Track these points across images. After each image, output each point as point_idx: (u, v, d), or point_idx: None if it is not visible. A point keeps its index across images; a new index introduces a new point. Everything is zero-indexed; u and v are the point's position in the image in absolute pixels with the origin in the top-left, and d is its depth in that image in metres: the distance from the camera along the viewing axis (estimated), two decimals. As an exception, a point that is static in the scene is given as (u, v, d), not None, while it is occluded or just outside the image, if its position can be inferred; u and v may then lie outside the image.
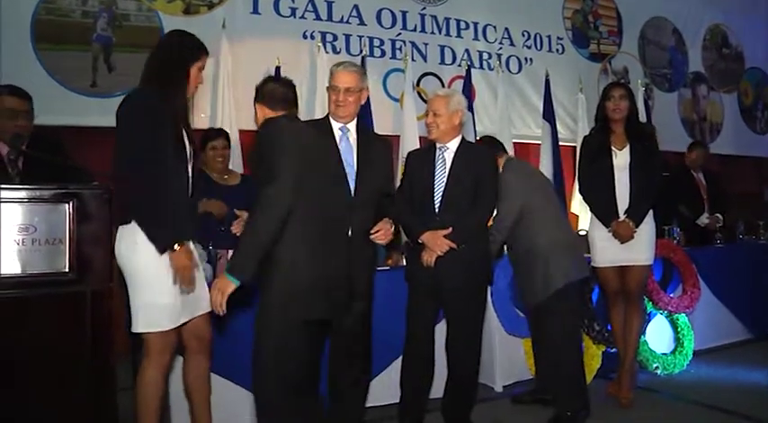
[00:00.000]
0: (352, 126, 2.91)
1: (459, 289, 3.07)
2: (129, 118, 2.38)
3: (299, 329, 2.41)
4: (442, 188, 3.11)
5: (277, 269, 2.37)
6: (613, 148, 3.65)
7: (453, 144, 3.17)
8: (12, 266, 2.43)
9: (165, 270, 2.39)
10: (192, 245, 2.55)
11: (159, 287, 2.39)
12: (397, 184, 3.41)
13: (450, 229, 3.02)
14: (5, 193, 2.47)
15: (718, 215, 5.39)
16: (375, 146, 2.95)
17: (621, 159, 3.61)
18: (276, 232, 2.31)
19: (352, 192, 2.79)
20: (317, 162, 2.64)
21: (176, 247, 2.35)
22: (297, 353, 2.42)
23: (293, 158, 2.39)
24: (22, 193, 2.49)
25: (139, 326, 2.41)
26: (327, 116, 2.94)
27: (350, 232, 2.76)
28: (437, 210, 3.10)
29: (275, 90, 2.68)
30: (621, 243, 3.55)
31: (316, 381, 2.68)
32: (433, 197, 3.11)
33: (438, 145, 3.18)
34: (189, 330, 2.55)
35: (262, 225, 2.31)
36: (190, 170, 2.54)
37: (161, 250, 2.35)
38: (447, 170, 3.13)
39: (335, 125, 2.88)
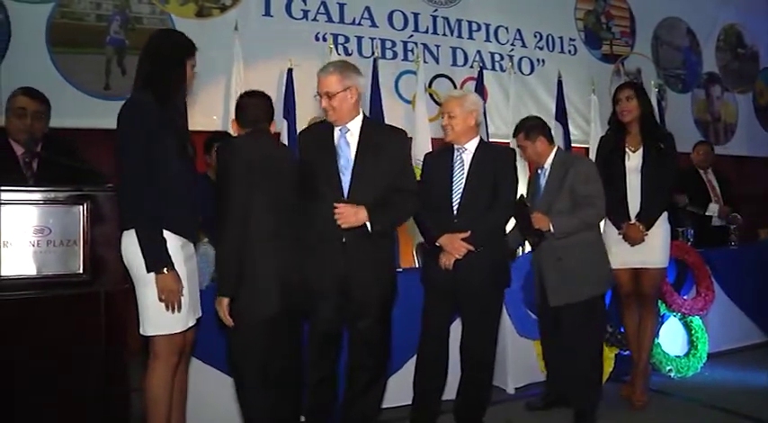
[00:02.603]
0: (354, 125, 2.85)
1: (479, 292, 3.07)
2: (126, 125, 2.38)
3: (258, 325, 2.58)
4: (461, 190, 3.10)
5: (244, 276, 2.56)
6: (627, 149, 3.62)
7: (471, 145, 3.17)
8: (27, 267, 2.45)
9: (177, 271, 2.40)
10: (192, 246, 2.58)
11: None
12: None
13: (469, 232, 3.01)
14: (21, 195, 2.50)
15: (728, 208, 5.35)
16: (383, 142, 2.86)
17: (634, 161, 3.58)
18: (235, 251, 2.53)
19: (346, 193, 2.75)
20: (313, 165, 2.75)
21: (165, 270, 2.34)
22: (259, 345, 2.61)
23: (242, 183, 2.55)
24: (38, 195, 2.52)
25: (149, 329, 2.41)
26: None
27: (344, 235, 2.72)
28: (455, 212, 3.09)
29: (245, 108, 2.81)
30: (631, 246, 3.53)
31: (290, 371, 2.75)
32: (451, 199, 3.10)
33: (456, 146, 3.17)
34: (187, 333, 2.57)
35: (222, 251, 2.58)
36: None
37: (148, 270, 2.35)
38: (465, 172, 3.12)
39: (336, 126, 2.86)
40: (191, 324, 2.50)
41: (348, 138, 2.84)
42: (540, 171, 3.51)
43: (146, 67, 2.48)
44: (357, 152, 2.81)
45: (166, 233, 2.38)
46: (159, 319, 2.39)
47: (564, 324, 3.33)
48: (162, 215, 2.37)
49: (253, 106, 2.78)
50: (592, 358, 3.35)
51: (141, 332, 2.43)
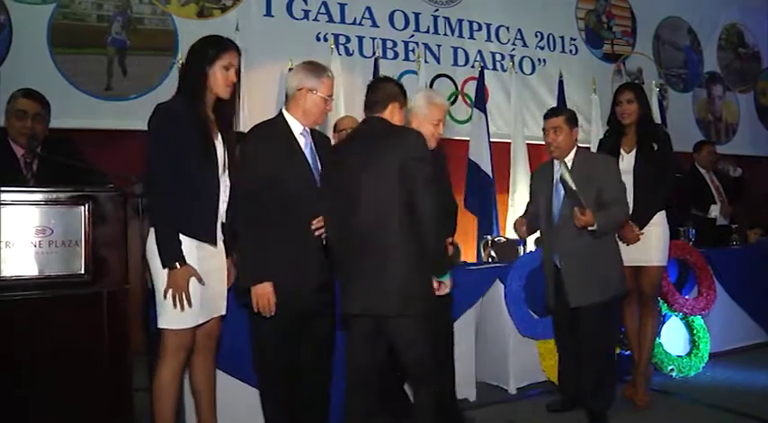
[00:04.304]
0: None
1: None
2: (151, 129, 2.43)
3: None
4: None
5: None
6: (622, 150, 3.62)
7: None
8: (29, 268, 2.46)
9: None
10: (214, 246, 2.56)
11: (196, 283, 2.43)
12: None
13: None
14: (23, 196, 2.50)
15: (731, 208, 5.34)
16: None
17: (626, 163, 3.57)
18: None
19: None
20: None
21: (177, 265, 2.37)
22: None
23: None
24: (39, 196, 2.52)
25: (163, 322, 2.45)
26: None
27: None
28: None
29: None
30: (627, 246, 3.52)
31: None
32: None
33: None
34: (204, 329, 2.56)
35: None
36: (222, 174, 2.54)
37: (163, 265, 2.39)
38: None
39: None
40: (200, 321, 2.50)
41: None
42: (557, 165, 3.36)
43: (180, 75, 2.57)
44: None
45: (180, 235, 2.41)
46: (169, 314, 2.42)
47: (582, 324, 3.29)
48: (178, 216, 2.40)
49: (367, 93, 2.73)
50: (608, 359, 3.32)
51: (158, 325, 2.47)
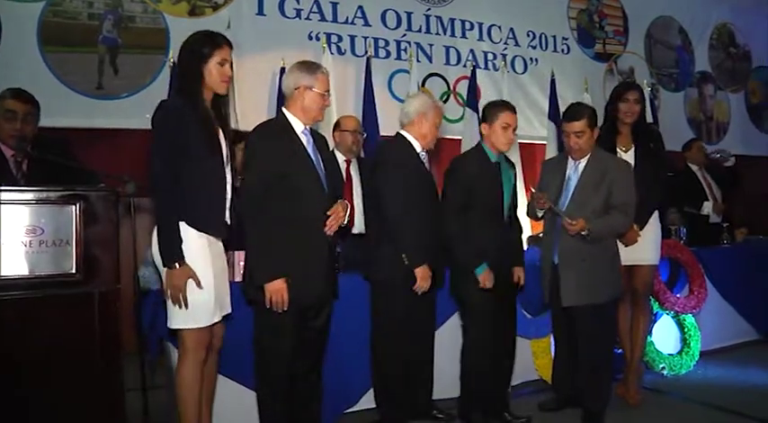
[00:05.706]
0: None
1: None
2: (155, 125, 2.44)
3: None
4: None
5: None
6: (618, 149, 3.62)
7: None
8: (19, 268, 2.44)
9: (201, 267, 2.43)
10: (222, 244, 2.58)
11: (195, 285, 2.42)
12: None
13: None
14: (12, 195, 2.48)
15: (723, 205, 5.36)
16: None
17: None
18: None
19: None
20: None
21: (176, 265, 2.37)
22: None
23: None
24: (29, 195, 2.50)
25: (175, 322, 2.45)
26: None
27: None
28: None
29: None
30: (626, 246, 3.52)
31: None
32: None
33: (423, 152, 3.30)
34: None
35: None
36: (227, 168, 2.55)
37: (163, 264, 2.40)
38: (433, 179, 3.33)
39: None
40: (215, 320, 2.51)
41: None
42: (571, 163, 3.36)
43: (176, 74, 2.61)
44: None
45: (191, 231, 2.42)
46: (185, 313, 2.41)
47: (576, 324, 3.29)
48: (185, 213, 2.41)
49: None
50: (605, 359, 3.32)
51: (168, 325, 2.47)
